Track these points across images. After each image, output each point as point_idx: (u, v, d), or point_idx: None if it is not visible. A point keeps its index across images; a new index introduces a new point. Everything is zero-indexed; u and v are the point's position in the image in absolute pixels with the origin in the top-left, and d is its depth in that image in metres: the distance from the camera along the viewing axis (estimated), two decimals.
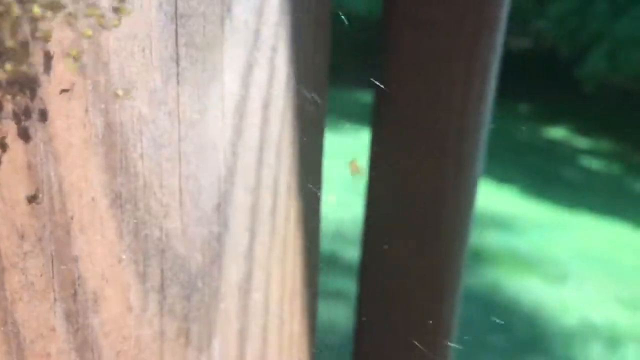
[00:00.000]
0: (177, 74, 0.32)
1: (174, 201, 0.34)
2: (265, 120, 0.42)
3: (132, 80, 0.30)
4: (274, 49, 0.41)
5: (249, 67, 0.39)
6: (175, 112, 0.33)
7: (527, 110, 7.61)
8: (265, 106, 0.41)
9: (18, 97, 0.24)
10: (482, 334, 3.16)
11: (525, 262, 4.07)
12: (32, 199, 0.25)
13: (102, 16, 0.26)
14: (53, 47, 0.25)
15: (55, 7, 0.22)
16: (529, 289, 3.76)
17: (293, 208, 0.48)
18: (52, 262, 0.27)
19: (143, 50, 0.30)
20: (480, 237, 4.28)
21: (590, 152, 6.65)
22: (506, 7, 0.55)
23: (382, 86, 0.53)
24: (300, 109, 0.46)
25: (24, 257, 0.26)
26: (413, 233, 0.63)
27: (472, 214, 0.65)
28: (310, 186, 0.49)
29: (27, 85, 0.24)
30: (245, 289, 0.43)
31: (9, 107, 0.24)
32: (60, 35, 0.24)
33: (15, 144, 0.24)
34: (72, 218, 0.28)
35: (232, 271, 0.41)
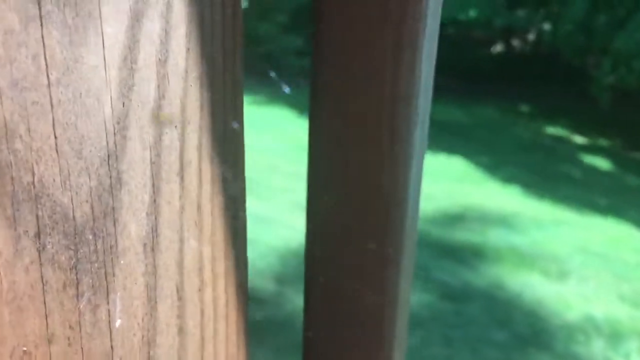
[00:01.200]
0: (40, 17, 0.33)
1: (48, 147, 0.34)
2: (162, 76, 0.42)
3: None
4: (168, 5, 0.41)
5: (136, 18, 0.39)
6: (42, 55, 0.33)
7: (529, 110, 7.59)
8: (162, 61, 0.41)
9: None
10: (485, 330, 3.14)
11: (526, 259, 4.05)
12: None
13: None
14: None
15: None
16: (531, 286, 3.74)
17: (207, 173, 0.48)
18: None
19: None
20: (483, 235, 4.26)
21: (591, 150, 6.63)
22: None
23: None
24: (207, 73, 0.46)
25: None
26: (352, 209, 0.63)
27: (410, 188, 0.65)
28: (227, 151, 0.49)
29: None
30: (151, 246, 0.43)
31: None
32: None
33: None
34: None
35: (132, 227, 0.41)
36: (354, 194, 0.61)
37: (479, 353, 2.93)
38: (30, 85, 0.33)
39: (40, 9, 0.32)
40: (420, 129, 0.62)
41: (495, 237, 4.29)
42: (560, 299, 3.52)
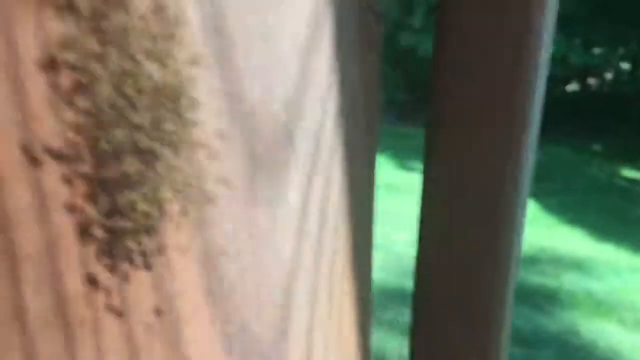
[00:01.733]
0: (256, 197, 0.44)
1: (253, 294, 0.45)
2: (322, 216, 0.52)
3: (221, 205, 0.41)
4: (329, 167, 0.52)
5: (309, 182, 0.49)
6: (252, 230, 0.44)
7: (604, 150, 7.45)
8: (323, 206, 0.52)
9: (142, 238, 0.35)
10: None
11: (602, 306, 3.96)
12: (155, 302, 0.37)
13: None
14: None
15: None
16: (606, 334, 3.65)
17: (347, 293, 0.57)
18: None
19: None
20: (557, 279, 4.20)
21: None
22: (552, 14, 0.58)
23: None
24: (352, 203, 0.56)
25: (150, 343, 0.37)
26: (463, 266, 0.68)
27: (519, 249, 0.68)
28: (360, 281, 0.59)
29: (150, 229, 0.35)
30: None
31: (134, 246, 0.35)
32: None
33: (140, 269, 0.36)
34: (180, 314, 0.39)
35: (295, 350, 0.51)
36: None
37: None
38: (243, 257, 0.44)
39: (254, 191, 0.43)
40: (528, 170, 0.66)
41: (569, 282, 4.22)
42: (636, 349, 3.42)
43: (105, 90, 0.29)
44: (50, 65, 0.28)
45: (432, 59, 0.65)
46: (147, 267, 0.36)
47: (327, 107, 0.50)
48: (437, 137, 0.67)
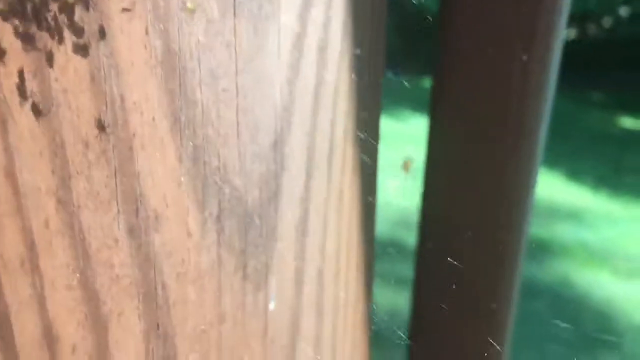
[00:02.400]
0: (234, 6, 0.33)
1: (232, 132, 0.35)
2: (322, 63, 0.42)
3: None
4: None
5: (305, 7, 0.39)
6: (233, 44, 0.34)
7: (602, 99, 7.32)
8: (322, 48, 0.42)
9: (79, 12, 0.25)
10: (551, 328, 3.07)
11: (596, 256, 3.93)
12: (95, 109, 0.27)
13: None
14: None
15: None
16: (600, 284, 3.64)
17: (349, 157, 0.48)
18: (116, 174, 0.28)
19: None
20: (551, 230, 4.16)
21: None
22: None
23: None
24: (357, 59, 0.46)
25: (89, 166, 0.27)
26: (471, 218, 0.63)
27: (530, 204, 0.64)
28: (367, 137, 0.49)
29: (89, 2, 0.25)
30: (301, 231, 0.44)
31: (69, 17, 0.25)
32: None
33: (76, 56, 0.26)
34: (134, 135, 0.29)
35: (289, 212, 0.42)
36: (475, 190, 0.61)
37: (543, 351, 2.87)
38: (223, 73, 0.33)
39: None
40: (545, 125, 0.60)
41: (563, 232, 4.18)
42: (630, 299, 3.41)
43: None
44: None
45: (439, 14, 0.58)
46: (82, 49, 0.25)
47: None
48: (443, 89, 0.59)
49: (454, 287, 0.63)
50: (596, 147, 5.90)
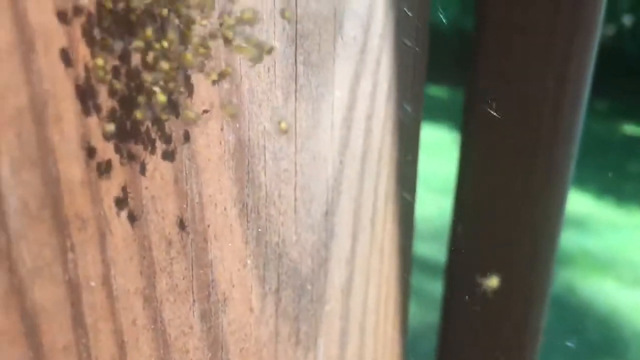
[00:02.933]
0: (296, 91, 0.35)
1: (290, 209, 0.36)
2: (368, 131, 0.43)
3: (259, 99, 0.32)
4: (377, 62, 0.43)
5: (356, 80, 0.40)
6: (293, 126, 0.35)
7: (605, 107, 7.35)
8: (369, 117, 0.43)
9: (166, 120, 0.26)
10: (556, 337, 3.08)
11: (600, 265, 3.94)
12: (177, 209, 0.28)
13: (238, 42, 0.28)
14: (197, 73, 0.27)
15: (213, 37, 0.24)
16: (604, 292, 3.64)
17: (390, 215, 0.49)
18: (192, 266, 0.29)
19: (268, 70, 0.32)
20: None
21: None
22: (601, 10, 0.55)
23: (494, 113, 0.54)
24: (398, 119, 0.47)
25: (171, 262, 0.28)
26: (502, 236, 0.63)
27: (561, 220, 0.65)
28: (406, 195, 0.51)
29: (174, 109, 0.27)
30: (347, 291, 0.45)
31: (160, 128, 0.26)
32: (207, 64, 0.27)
33: (164, 162, 0.27)
34: (208, 227, 0.30)
35: (336, 275, 0.43)
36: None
37: None
38: (284, 155, 0.35)
39: (296, 84, 0.34)
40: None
41: (567, 240, 4.19)
42: (635, 307, 3.41)
43: None
44: None
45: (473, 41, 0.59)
46: (170, 155, 0.27)
47: None
48: (475, 112, 0.60)
49: (482, 306, 0.64)
50: (600, 154, 5.91)
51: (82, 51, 0.22)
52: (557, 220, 0.64)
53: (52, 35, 0.21)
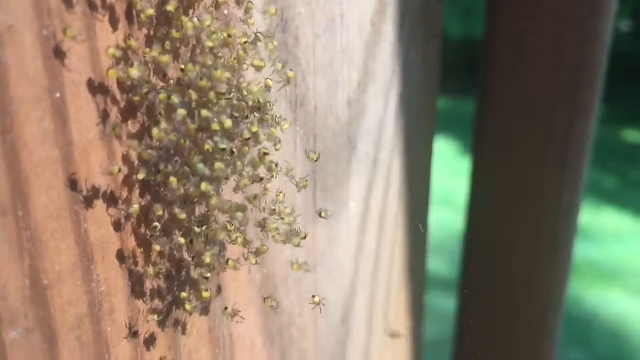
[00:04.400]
0: (314, 218, 0.37)
1: (311, 325, 0.39)
2: (381, 229, 0.46)
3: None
4: (389, 168, 0.45)
5: (369, 188, 0.43)
6: (312, 250, 0.38)
7: (605, 112, 7.35)
8: (382, 217, 0.46)
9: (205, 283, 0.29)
10: (562, 348, 3.08)
11: (605, 274, 3.94)
12: (211, 356, 0.31)
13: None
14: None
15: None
16: (610, 302, 3.65)
17: (401, 304, 0.52)
18: None
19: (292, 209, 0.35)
20: None
21: None
22: (611, 21, 0.55)
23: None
24: (409, 212, 0.50)
25: None
26: (515, 243, 0.64)
27: (575, 227, 0.65)
28: (415, 286, 0.53)
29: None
30: None
31: (197, 297, 0.29)
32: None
33: (200, 318, 0.30)
34: None
35: None
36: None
37: None
38: (303, 276, 0.37)
39: (315, 207, 0.37)
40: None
41: None
42: None
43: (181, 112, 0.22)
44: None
45: (483, 42, 0.60)
46: (204, 310, 0.29)
47: (388, 102, 0.43)
48: (488, 120, 0.61)
49: (497, 318, 0.65)
50: (601, 161, 5.92)
51: (133, 248, 0.25)
52: (571, 228, 0.64)
53: (108, 244, 0.24)
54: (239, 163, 0.24)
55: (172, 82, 0.23)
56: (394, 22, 0.41)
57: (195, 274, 0.25)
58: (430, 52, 0.46)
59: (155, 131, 0.22)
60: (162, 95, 0.22)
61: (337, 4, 0.35)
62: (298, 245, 0.27)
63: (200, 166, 0.22)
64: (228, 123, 0.23)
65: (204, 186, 0.23)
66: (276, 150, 0.26)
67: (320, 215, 0.30)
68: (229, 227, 0.25)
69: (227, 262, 0.26)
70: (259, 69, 0.26)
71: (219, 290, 0.30)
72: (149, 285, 0.26)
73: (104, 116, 0.22)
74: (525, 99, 0.59)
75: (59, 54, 0.20)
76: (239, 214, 0.24)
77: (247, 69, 0.25)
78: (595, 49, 0.56)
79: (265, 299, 0.29)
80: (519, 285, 0.65)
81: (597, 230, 4.67)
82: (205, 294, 0.26)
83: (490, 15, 0.58)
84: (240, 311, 0.31)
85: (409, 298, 0.52)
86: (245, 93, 0.24)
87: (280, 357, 0.36)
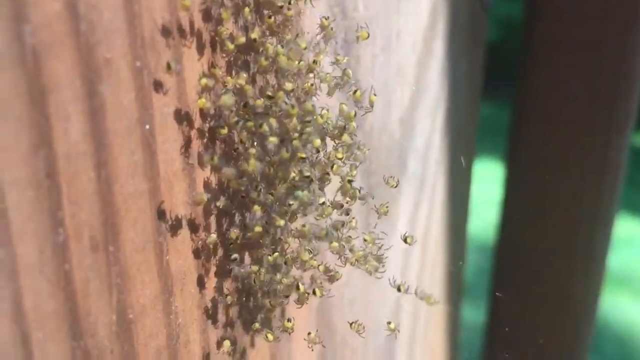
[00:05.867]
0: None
1: (360, 344, 0.39)
2: (423, 250, 0.46)
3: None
4: (433, 187, 0.45)
5: (415, 209, 0.43)
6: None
7: None
8: (424, 237, 0.45)
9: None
10: None
11: (615, 279, 3.92)
12: None
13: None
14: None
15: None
16: (620, 308, 3.63)
17: (439, 327, 0.51)
18: None
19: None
20: None
21: None
22: None
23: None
24: (450, 232, 0.49)
25: None
26: (549, 252, 0.63)
27: (610, 235, 0.64)
28: (452, 306, 0.53)
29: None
30: None
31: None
32: None
33: (264, 345, 0.29)
34: None
35: None
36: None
37: None
38: (355, 298, 0.37)
39: (368, 228, 0.37)
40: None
41: None
42: None
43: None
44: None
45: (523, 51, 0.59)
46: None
47: (435, 119, 0.43)
48: (525, 126, 0.60)
49: (529, 328, 0.64)
50: (626, 167, 5.89)
51: (210, 278, 0.24)
52: (606, 237, 0.64)
53: (186, 274, 0.23)
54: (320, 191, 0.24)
55: (255, 109, 0.22)
56: (443, 37, 0.41)
57: (276, 301, 0.25)
58: (475, 63, 0.46)
59: (251, 162, 0.21)
60: (250, 124, 0.22)
61: (395, 21, 0.34)
62: (377, 269, 0.27)
63: (300, 193, 0.22)
64: (317, 142, 0.22)
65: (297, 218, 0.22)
66: (353, 175, 0.26)
67: (405, 242, 0.30)
68: (305, 256, 0.25)
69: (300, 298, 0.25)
70: (331, 92, 0.26)
71: (282, 313, 0.30)
72: (221, 315, 0.25)
73: (188, 146, 0.22)
74: (564, 105, 0.58)
75: (151, 85, 0.20)
76: (334, 244, 0.24)
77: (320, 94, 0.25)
78: (633, 57, 0.55)
79: (351, 323, 0.29)
80: (551, 295, 0.65)
81: None
82: (288, 324, 0.26)
83: (529, 21, 0.57)
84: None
85: (445, 318, 0.52)
86: (324, 119, 0.23)
87: None
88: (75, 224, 0.18)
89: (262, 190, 0.22)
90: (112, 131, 0.19)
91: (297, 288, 0.25)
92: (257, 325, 0.26)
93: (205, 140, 0.22)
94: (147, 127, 0.20)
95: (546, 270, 0.64)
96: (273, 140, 0.21)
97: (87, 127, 0.18)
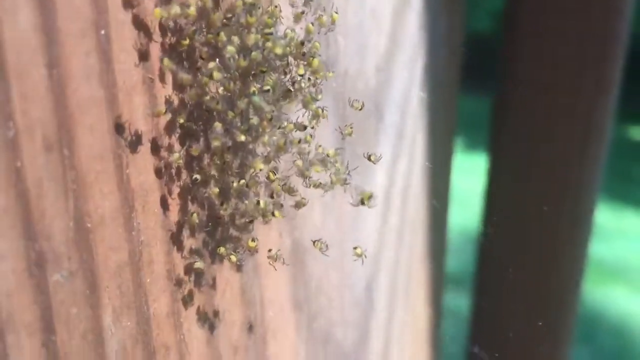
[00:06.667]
0: (343, 188, 0.37)
1: (336, 294, 0.39)
2: (404, 205, 0.45)
3: (312, 202, 0.34)
4: (413, 141, 0.45)
5: (394, 162, 0.43)
6: (339, 221, 0.37)
7: None
8: (405, 192, 0.45)
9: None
10: None
11: (610, 272, 3.93)
12: (244, 317, 0.30)
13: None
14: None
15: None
16: (615, 300, 3.63)
17: (422, 283, 0.51)
18: None
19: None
20: None
21: None
22: (629, 22, 0.56)
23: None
24: (431, 187, 0.49)
25: None
26: (531, 242, 0.64)
27: (592, 226, 0.65)
28: (435, 263, 0.53)
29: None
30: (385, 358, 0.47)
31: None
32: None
33: (233, 277, 0.29)
34: (268, 327, 0.32)
35: (375, 347, 0.45)
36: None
37: None
38: (332, 245, 0.37)
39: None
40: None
41: None
42: None
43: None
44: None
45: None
46: (238, 267, 0.29)
47: (414, 72, 0.43)
48: (506, 117, 0.61)
49: (512, 317, 0.64)
50: (606, 159, 5.91)
51: (174, 198, 0.24)
52: (588, 226, 0.64)
53: (148, 192, 0.23)
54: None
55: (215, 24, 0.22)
56: None
57: (240, 221, 0.25)
58: (455, 21, 0.46)
59: (215, 73, 0.21)
60: (210, 36, 0.22)
61: None
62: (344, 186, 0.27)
63: (257, 99, 0.22)
64: (278, 49, 0.22)
65: (255, 120, 0.22)
66: (318, 99, 0.26)
67: (369, 159, 0.30)
68: (271, 175, 0.25)
69: (262, 213, 0.25)
70: (297, 19, 0.26)
71: (252, 252, 0.30)
72: (187, 239, 0.25)
73: (146, 58, 0.22)
74: (545, 96, 0.58)
75: None
76: (298, 162, 0.24)
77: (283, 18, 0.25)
78: (615, 45, 0.56)
79: (314, 241, 0.29)
80: (534, 284, 0.65)
81: (602, 227, 4.65)
82: (251, 243, 0.26)
83: (509, 11, 0.58)
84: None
85: (428, 276, 0.52)
86: (287, 38, 0.23)
87: (307, 324, 0.36)
88: (27, 120, 0.18)
89: (221, 103, 0.22)
90: (64, 30, 0.19)
91: (257, 203, 0.25)
92: (222, 249, 0.26)
93: (164, 54, 0.22)
94: (103, 32, 0.20)
95: (529, 260, 0.64)
96: (231, 49, 0.21)
97: (38, 21, 0.18)
